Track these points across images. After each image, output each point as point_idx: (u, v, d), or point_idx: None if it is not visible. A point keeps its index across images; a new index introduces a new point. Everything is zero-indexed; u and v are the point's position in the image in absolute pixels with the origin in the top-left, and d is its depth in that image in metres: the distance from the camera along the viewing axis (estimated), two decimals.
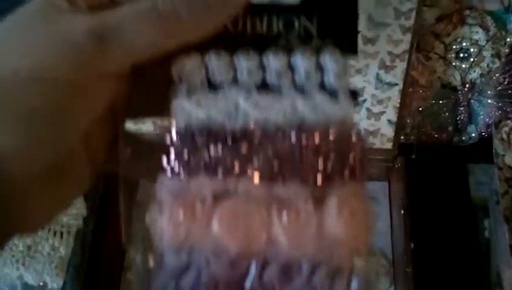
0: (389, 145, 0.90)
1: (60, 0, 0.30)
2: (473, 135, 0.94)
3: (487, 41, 0.90)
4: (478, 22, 0.90)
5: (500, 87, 0.92)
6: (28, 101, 0.28)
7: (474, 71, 0.92)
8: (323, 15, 0.33)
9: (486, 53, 0.91)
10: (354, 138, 0.31)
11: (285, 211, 0.30)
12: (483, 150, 0.92)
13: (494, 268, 0.85)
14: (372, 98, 0.86)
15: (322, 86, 0.32)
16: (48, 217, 0.33)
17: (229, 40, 0.32)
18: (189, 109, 0.32)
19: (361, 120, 0.88)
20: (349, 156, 0.31)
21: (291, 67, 0.32)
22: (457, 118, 0.94)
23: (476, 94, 0.93)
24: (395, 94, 0.86)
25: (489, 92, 0.92)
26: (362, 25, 0.81)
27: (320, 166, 0.31)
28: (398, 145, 0.90)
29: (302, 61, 0.32)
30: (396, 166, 0.90)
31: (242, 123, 0.31)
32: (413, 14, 0.80)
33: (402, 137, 0.92)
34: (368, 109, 0.87)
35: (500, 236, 0.85)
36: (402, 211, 0.86)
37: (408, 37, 0.82)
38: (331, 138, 0.31)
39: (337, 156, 0.31)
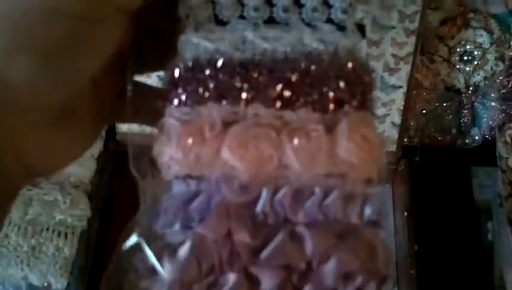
0: (392, 148, 0.90)
1: None
2: (477, 137, 0.94)
3: (491, 44, 0.90)
4: (482, 25, 0.91)
5: (503, 90, 0.92)
6: (43, 34, 0.28)
7: (478, 74, 0.92)
8: None
9: (490, 56, 0.91)
10: (362, 67, 0.32)
11: (296, 135, 0.30)
12: (486, 152, 0.92)
13: (497, 271, 0.85)
14: (377, 101, 0.86)
15: (330, 21, 0.32)
16: (58, 161, 0.33)
17: None
18: (197, 42, 0.32)
19: None
20: (358, 84, 0.31)
21: (298, 3, 0.32)
22: (461, 121, 0.94)
23: (480, 97, 0.93)
24: (399, 97, 0.86)
25: (493, 94, 0.92)
26: (367, 27, 0.81)
27: (330, 93, 0.31)
28: (402, 147, 0.90)
29: None
30: (400, 168, 0.90)
31: (250, 54, 0.31)
32: (418, 17, 0.81)
33: (405, 139, 0.92)
34: None
35: (504, 239, 0.85)
36: (405, 213, 0.86)
37: (412, 39, 0.82)
38: (340, 66, 0.31)
39: (347, 84, 0.31)
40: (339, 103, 0.31)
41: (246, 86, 0.31)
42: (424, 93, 0.93)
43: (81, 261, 0.86)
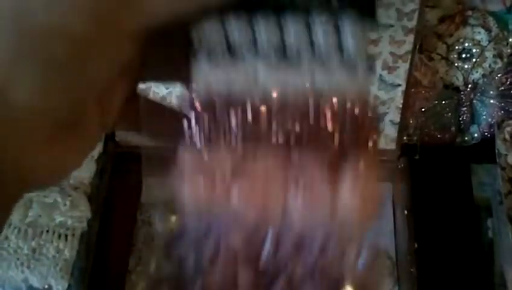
0: (392, 146, 0.90)
1: None
2: (476, 135, 0.94)
3: (489, 41, 0.90)
4: (480, 23, 0.91)
5: (502, 88, 0.92)
6: (49, 52, 0.28)
7: (477, 72, 0.92)
8: None
9: (489, 53, 0.91)
10: (368, 110, 0.32)
11: (301, 186, 0.30)
12: (486, 150, 0.92)
13: (497, 268, 0.85)
14: (375, 99, 0.86)
15: (340, 50, 0.31)
16: (57, 172, 0.33)
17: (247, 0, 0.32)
18: (209, 74, 0.32)
19: None
20: (364, 127, 0.31)
21: (309, 31, 0.31)
22: (460, 119, 0.94)
23: (479, 94, 0.93)
24: (397, 95, 0.86)
25: (491, 92, 0.92)
26: None
27: (337, 136, 0.31)
28: (401, 145, 0.90)
29: (320, 26, 0.31)
30: (400, 167, 0.90)
31: (261, 92, 0.31)
32: (416, 15, 0.81)
33: (405, 138, 0.92)
34: None
35: (504, 236, 0.85)
36: (405, 212, 0.86)
37: (411, 38, 0.82)
38: (347, 109, 0.31)
39: (352, 127, 0.31)
40: (344, 145, 0.31)
41: (255, 126, 0.31)
42: (423, 91, 0.93)
43: (81, 263, 0.86)
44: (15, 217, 0.86)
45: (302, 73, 0.31)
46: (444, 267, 0.86)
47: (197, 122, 0.32)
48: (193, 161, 0.31)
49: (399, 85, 0.85)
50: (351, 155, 0.31)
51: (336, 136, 0.31)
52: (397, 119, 0.88)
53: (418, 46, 0.84)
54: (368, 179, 0.31)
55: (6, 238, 0.85)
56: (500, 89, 0.92)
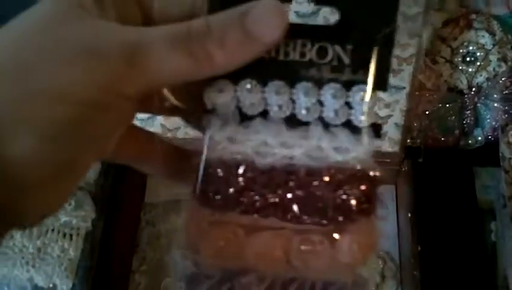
0: (395, 149, 0.90)
1: (89, 1, 0.30)
2: (480, 138, 0.95)
3: (493, 45, 0.91)
4: (484, 26, 0.91)
5: (506, 91, 0.92)
6: (49, 116, 0.28)
7: (481, 75, 0.93)
8: (358, 45, 0.33)
9: (493, 57, 0.91)
10: (370, 177, 0.33)
11: (304, 245, 0.32)
12: (489, 153, 0.92)
13: (500, 271, 0.85)
14: (379, 102, 0.87)
15: (348, 123, 0.33)
16: (47, 212, 0.32)
17: (261, 66, 0.32)
18: (221, 142, 0.33)
19: None
20: (365, 193, 0.32)
21: (320, 102, 0.32)
22: (464, 122, 0.94)
23: (483, 98, 0.93)
24: (402, 98, 0.86)
25: (495, 95, 0.92)
26: None
27: (339, 203, 0.32)
28: (405, 148, 0.90)
29: (331, 98, 0.32)
30: (403, 169, 0.90)
31: (269, 160, 0.32)
32: (421, 18, 0.81)
33: (408, 141, 0.92)
34: (375, 113, 0.87)
35: (507, 239, 0.85)
36: (409, 214, 0.87)
37: (415, 41, 0.82)
38: (350, 177, 0.32)
39: (353, 194, 0.32)
40: (345, 211, 0.32)
41: (263, 193, 0.33)
42: (427, 94, 0.93)
43: (86, 262, 0.86)
44: None
45: (308, 140, 0.32)
46: (447, 270, 0.86)
47: (207, 185, 0.33)
48: (206, 225, 0.33)
49: (403, 88, 0.85)
50: (350, 221, 0.32)
51: (338, 202, 0.32)
52: (401, 122, 0.88)
53: (422, 50, 0.84)
54: (368, 242, 0.33)
55: (12, 237, 0.86)
56: (504, 92, 0.92)
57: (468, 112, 0.94)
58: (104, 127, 0.30)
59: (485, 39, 0.91)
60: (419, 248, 0.85)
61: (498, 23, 0.91)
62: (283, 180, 0.32)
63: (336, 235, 0.32)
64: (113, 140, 0.31)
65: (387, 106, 0.87)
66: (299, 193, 0.32)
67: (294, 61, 0.33)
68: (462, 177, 0.92)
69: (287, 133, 0.33)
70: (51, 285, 0.85)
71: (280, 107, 0.33)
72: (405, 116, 0.88)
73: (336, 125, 0.33)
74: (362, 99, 0.32)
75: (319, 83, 0.32)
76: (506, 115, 0.92)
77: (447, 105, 0.94)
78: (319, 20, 0.34)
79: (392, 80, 0.85)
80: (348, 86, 0.32)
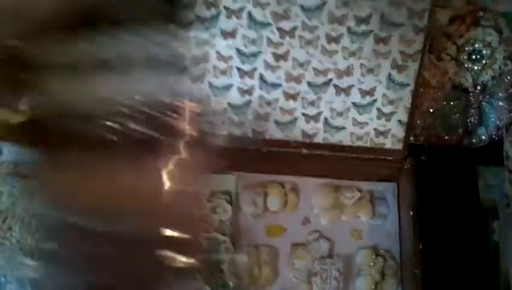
0: (399, 146, 0.89)
1: None
2: (483, 137, 0.94)
3: (500, 43, 0.90)
4: (491, 24, 0.90)
5: (511, 90, 0.92)
6: None
7: (486, 73, 0.92)
8: None
9: (499, 55, 0.91)
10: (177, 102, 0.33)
11: None
12: (493, 152, 0.91)
13: (503, 270, 0.85)
14: (383, 98, 0.86)
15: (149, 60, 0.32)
16: None
17: None
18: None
19: (372, 120, 0.87)
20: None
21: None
22: (468, 120, 0.93)
23: (487, 96, 0.93)
24: (406, 94, 0.85)
25: (500, 94, 0.92)
26: (375, 24, 0.81)
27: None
28: (408, 146, 0.90)
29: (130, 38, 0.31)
30: (406, 167, 0.90)
31: None
32: (426, 14, 0.80)
33: (411, 138, 0.91)
34: (378, 109, 0.87)
35: (510, 239, 0.84)
36: (411, 213, 0.86)
37: (421, 37, 0.82)
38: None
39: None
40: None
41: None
42: (431, 92, 0.92)
43: None
44: (19, 207, 0.86)
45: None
46: (448, 269, 0.85)
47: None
48: None
49: (408, 85, 0.85)
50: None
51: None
52: (405, 119, 0.87)
53: (428, 46, 0.83)
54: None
55: (10, 229, 0.85)
56: (509, 91, 0.91)
57: (473, 110, 0.93)
58: None
59: (492, 37, 0.90)
60: (420, 246, 0.85)
61: (505, 21, 0.90)
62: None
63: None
64: None
65: (391, 102, 0.86)
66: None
67: None
68: (465, 176, 0.92)
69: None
70: None
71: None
72: (409, 114, 0.87)
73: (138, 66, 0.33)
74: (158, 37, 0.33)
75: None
76: (511, 114, 0.92)
77: (451, 103, 0.93)
78: None
79: (397, 76, 0.84)
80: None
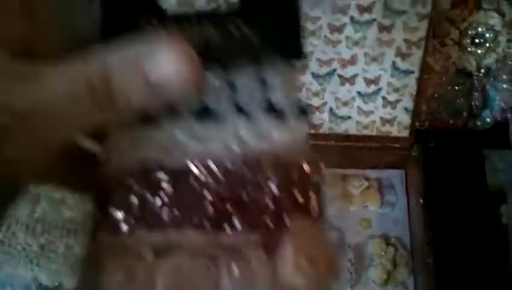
0: (405, 133, 0.89)
1: None
2: (488, 120, 0.94)
3: (503, 26, 0.89)
4: (494, 7, 0.89)
5: None
6: None
7: (490, 56, 0.91)
8: (264, 19, 0.30)
9: (502, 38, 0.90)
10: (307, 166, 0.28)
11: (234, 264, 0.27)
12: (498, 135, 0.91)
13: None
14: (388, 87, 0.85)
15: (268, 105, 0.29)
16: None
17: None
18: (123, 147, 0.29)
19: (378, 109, 0.87)
20: (303, 188, 0.28)
21: (231, 86, 0.29)
22: (472, 104, 0.93)
23: (491, 79, 0.92)
24: (411, 82, 0.85)
25: (504, 77, 0.91)
26: (378, 12, 0.80)
27: (270, 205, 0.28)
28: (414, 133, 0.89)
29: (242, 78, 0.29)
30: (413, 154, 0.89)
31: (180, 159, 0.28)
32: (430, 0, 0.79)
33: (416, 123, 0.90)
34: (383, 98, 0.86)
35: None
36: (420, 200, 0.85)
37: (424, 23, 0.81)
38: (280, 169, 0.28)
39: (288, 190, 0.28)
40: (281, 215, 0.28)
41: (176, 203, 0.28)
42: (436, 77, 0.91)
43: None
44: (23, 213, 0.84)
45: (225, 133, 0.28)
46: (458, 254, 0.85)
47: (109, 200, 0.28)
48: (112, 251, 0.27)
49: (412, 72, 0.84)
50: (290, 225, 0.27)
51: (270, 204, 0.28)
52: (411, 106, 0.86)
53: (431, 33, 0.82)
54: (314, 251, 0.27)
55: (14, 235, 0.84)
56: None
57: (477, 93, 0.92)
58: None
59: (495, 20, 0.89)
60: (431, 234, 0.84)
61: (508, 4, 0.89)
62: (201, 185, 0.28)
63: (275, 247, 0.27)
64: None
65: (396, 90, 0.86)
66: (221, 193, 0.28)
67: (198, 50, 0.28)
68: (471, 160, 0.91)
69: (197, 125, 0.28)
70: (56, 283, 0.83)
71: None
72: (414, 101, 0.86)
73: (253, 110, 0.29)
74: (277, 74, 0.29)
75: (225, 64, 0.29)
76: None
77: (456, 87, 0.92)
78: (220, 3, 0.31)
79: (401, 64, 0.84)
80: (258, 62, 0.29)
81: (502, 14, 0.89)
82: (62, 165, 0.29)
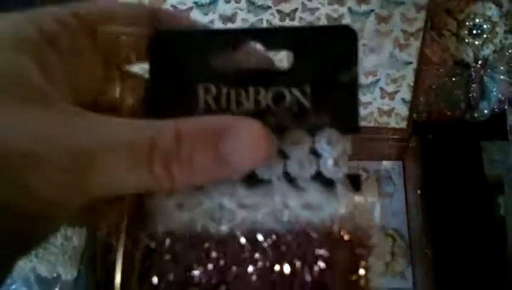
0: (403, 125, 0.89)
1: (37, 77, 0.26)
2: (486, 111, 0.94)
3: (500, 17, 0.89)
4: None
5: None
6: None
7: (487, 47, 0.91)
8: (318, 84, 0.29)
9: (500, 29, 0.90)
10: (360, 240, 0.28)
11: None
12: (495, 126, 0.91)
13: (510, 245, 0.85)
14: (386, 78, 0.85)
15: (318, 175, 0.29)
16: None
17: None
18: (170, 211, 0.29)
19: (375, 100, 0.87)
20: (350, 265, 0.28)
21: (282, 153, 0.29)
22: (470, 95, 0.93)
23: (489, 70, 0.92)
24: (409, 73, 0.85)
25: (502, 68, 0.91)
26: (376, 3, 0.80)
27: (314, 279, 0.28)
28: (412, 124, 0.89)
29: (294, 148, 0.29)
30: (411, 145, 0.89)
31: (227, 226, 0.28)
32: None
33: (414, 115, 0.91)
34: (381, 89, 0.86)
35: None
36: (418, 191, 0.86)
37: (422, 14, 0.81)
38: (328, 242, 0.28)
39: (333, 264, 0.28)
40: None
41: (219, 272, 0.28)
42: (433, 69, 0.92)
43: (91, 250, 0.84)
44: None
45: (272, 198, 0.28)
46: (455, 245, 0.85)
47: (153, 262, 0.28)
48: None
49: (411, 63, 0.84)
50: None
51: (314, 275, 0.28)
52: (408, 97, 0.86)
53: (429, 23, 0.82)
54: None
55: None
56: (510, 65, 0.91)
57: (474, 85, 0.92)
58: (33, 234, 0.27)
59: (492, 11, 0.89)
60: (428, 225, 0.84)
61: None
62: (244, 250, 0.28)
63: None
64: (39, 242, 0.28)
65: (394, 81, 0.86)
66: (262, 265, 0.28)
67: (249, 111, 0.29)
68: (469, 152, 0.91)
69: (245, 193, 0.28)
70: (54, 274, 0.83)
71: None
72: (412, 92, 0.86)
73: (303, 180, 0.29)
74: (330, 144, 0.28)
75: (279, 131, 0.29)
76: None
77: (453, 79, 0.92)
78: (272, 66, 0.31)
79: (399, 55, 0.84)
80: (312, 131, 0.29)
81: (499, 5, 0.89)
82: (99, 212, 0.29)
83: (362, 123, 0.89)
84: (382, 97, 0.87)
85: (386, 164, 0.93)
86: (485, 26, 0.90)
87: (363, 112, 0.88)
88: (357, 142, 0.86)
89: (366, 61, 0.84)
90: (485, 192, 0.89)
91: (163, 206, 0.29)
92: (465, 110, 0.94)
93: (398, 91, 0.86)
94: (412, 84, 0.86)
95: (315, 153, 0.29)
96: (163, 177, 0.25)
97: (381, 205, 0.91)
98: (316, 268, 0.28)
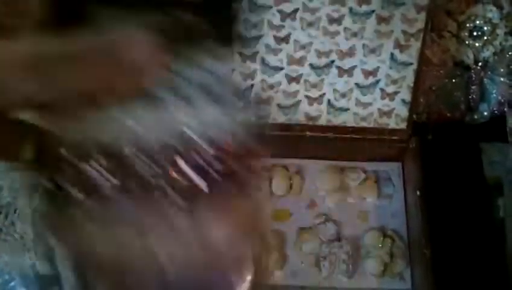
0: (403, 126, 0.89)
1: None
2: (485, 113, 0.94)
3: (501, 19, 0.89)
4: (492, 0, 0.90)
5: None
6: None
7: (487, 49, 0.92)
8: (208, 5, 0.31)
9: (500, 31, 0.91)
10: (237, 146, 0.30)
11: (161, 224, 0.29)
12: (495, 128, 0.91)
13: (509, 246, 0.85)
14: (387, 78, 0.85)
15: (208, 91, 0.30)
16: None
17: None
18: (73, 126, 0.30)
19: (376, 100, 0.87)
20: (232, 165, 0.30)
21: (174, 71, 0.30)
22: (470, 97, 0.93)
23: (489, 72, 0.92)
24: (409, 74, 0.85)
25: (502, 70, 0.92)
26: (377, 3, 0.80)
27: (201, 179, 0.29)
28: (412, 125, 0.89)
29: (185, 65, 0.30)
30: (411, 146, 0.89)
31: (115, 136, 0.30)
32: None
33: (414, 116, 0.91)
34: (381, 89, 0.86)
35: None
36: (417, 192, 0.86)
37: (423, 15, 0.81)
38: (217, 149, 0.29)
39: (219, 166, 0.29)
40: (212, 189, 0.29)
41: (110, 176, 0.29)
42: (433, 70, 0.92)
43: None
44: (20, 202, 0.84)
45: (166, 114, 0.29)
46: (454, 247, 0.85)
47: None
48: None
49: (411, 64, 0.84)
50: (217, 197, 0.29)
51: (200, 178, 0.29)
52: (408, 98, 0.87)
53: (429, 25, 0.83)
54: (238, 220, 0.30)
55: (12, 223, 0.84)
56: (510, 67, 0.91)
57: (474, 86, 0.93)
58: None
59: (493, 13, 0.90)
60: (428, 226, 0.84)
61: None
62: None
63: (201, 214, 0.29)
64: None
65: (394, 82, 0.86)
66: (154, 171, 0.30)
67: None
68: (468, 153, 0.91)
69: (143, 112, 0.30)
70: (54, 272, 0.83)
71: None
72: (412, 93, 0.87)
73: (194, 96, 0.30)
74: (218, 60, 0.30)
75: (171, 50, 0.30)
76: None
77: (453, 80, 0.93)
78: None
79: (399, 56, 0.84)
80: (202, 49, 0.30)
81: (499, 7, 0.90)
82: None
83: (362, 124, 0.89)
84: (382, 98, 0.87)
85: (385, 164, 0.93)
86: (485, 28, 0.90)
87: (363, 112, 0.88)
88: (357, 142, 0.86)
89: (367, 61, 0.84)
90: (485, 193, 0.89)
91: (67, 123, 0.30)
92: (465, 112, 0.94)
93: (398, 92, 0.87)
94: (412, 85, 0.86)
95: (205, 70, 0.30)
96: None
97: (380, 206, 0.91)
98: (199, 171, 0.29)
